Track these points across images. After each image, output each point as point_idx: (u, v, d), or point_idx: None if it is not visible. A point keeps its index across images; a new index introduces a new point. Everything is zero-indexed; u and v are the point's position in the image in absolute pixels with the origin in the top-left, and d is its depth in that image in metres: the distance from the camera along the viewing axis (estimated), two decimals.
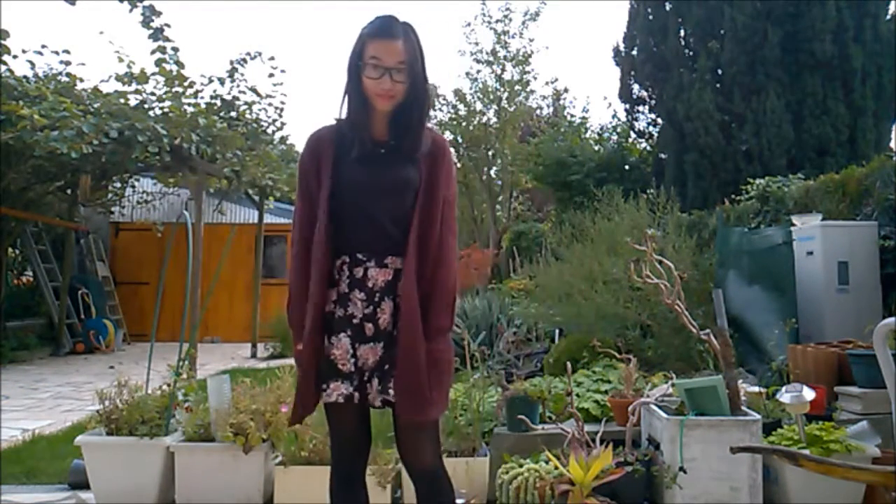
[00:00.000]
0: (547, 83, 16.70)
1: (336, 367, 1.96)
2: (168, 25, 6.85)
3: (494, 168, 15.29)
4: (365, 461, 2.13)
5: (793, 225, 4.76)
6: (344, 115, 2.04)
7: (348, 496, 2.09)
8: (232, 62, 8.60)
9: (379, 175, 1.99)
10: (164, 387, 3.60)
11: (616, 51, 10.91)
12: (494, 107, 14.53)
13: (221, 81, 8.59)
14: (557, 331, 6.01)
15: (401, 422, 1.98)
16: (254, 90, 8.92)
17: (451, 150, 2.08)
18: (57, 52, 7.82)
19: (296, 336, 2.05)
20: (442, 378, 1.97)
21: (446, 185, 2.05)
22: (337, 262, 2.01)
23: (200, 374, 5.82)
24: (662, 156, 10.33)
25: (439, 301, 1.98)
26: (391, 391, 1.93)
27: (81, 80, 7.79)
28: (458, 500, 2.97)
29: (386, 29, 1.94)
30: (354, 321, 1.97)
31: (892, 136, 8.96)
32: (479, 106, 14.71)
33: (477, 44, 14.67)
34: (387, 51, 1.91)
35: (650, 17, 10.20)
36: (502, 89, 14.49)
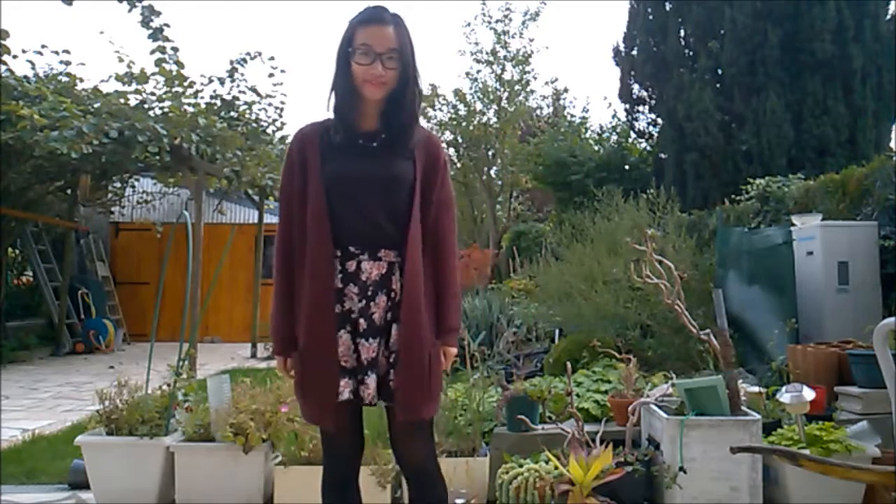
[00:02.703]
0: (547, 83, 16.71)
1: (340, 364, 1.94)
2: (168, 25, 6.86)
3: (494, 168, 15.28)
4: (359, 462, 2.11)
5: (793, 225, 4.76)
6: (332, 109, 2.00)
7: (344, 499, 2.08)
8: (232, 62, 8.60)
9: (372, 168, 1.97)
10: (164, 387, 3.60)
11: (616, 51, 10.91)
12: (494, 107, 14.53)
13: (221, 81, 8.60)
14: (557, 331, 6.01)
15: (399, 419, 1.97)
16: (254, 90, 8.92)
17: (446, 151, 2.09)
18: (57, 52, 7.83)
19: (286, 341, 2.01)
20: (440, 376, 2.01)
21: (441, 186, 2.04)
22: (331, 254, 1.99)
23: (200, 374, 5.82)
24: (662, 156, 10.33)
25: (450, 300, 2.02)
26: (391, 387, 1.93)
27: (81, 80, 7.79)
28: (458, 500, 2.98)
29: (376, 16, 1.93)
30: (352, 316, 1.96)
31: (892, 136, 8.97)
32: (479, 106, 14.70)
33: (477, 44, 14.67)
34: (377, 36, 1.90)
35: (650, 17, 10.20)
36: (502, 89, 14.48)
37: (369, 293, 1.96)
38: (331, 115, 2.02)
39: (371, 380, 1.93)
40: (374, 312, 1.95)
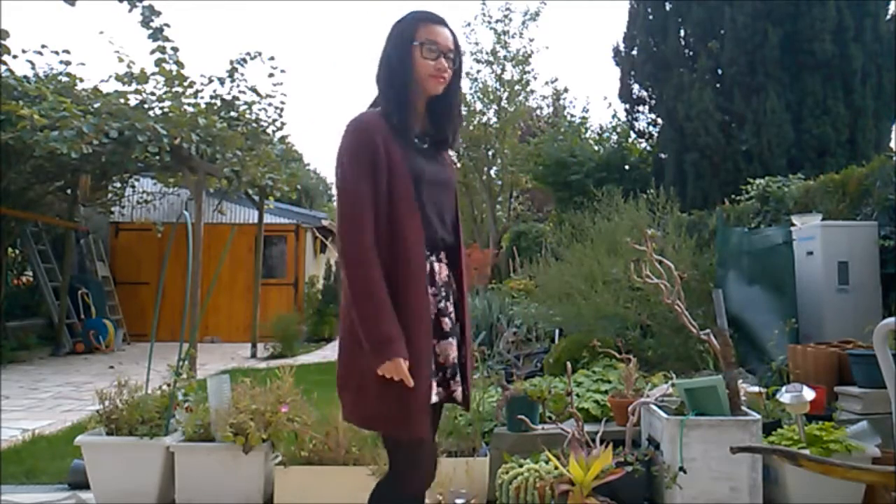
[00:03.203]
0: (547, 83, 16.75)
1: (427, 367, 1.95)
2: (168, 25, 6.85)
3: (494, 168, 15.30)
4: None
5: (793, 225, 4.76)
6: (391, 103, 1.94)
7: None
8: (232, 62, 8.60)
9: (438, 169, 2.02)
10: (164, 387, 3.60)
11: (616, 51, 10.92)
12: (494, 107, 14.55)
13: (221, 81, 8.59)
14: (557, 331, 6.01)
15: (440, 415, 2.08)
16: (254, 90, 8.91)
17: None
18: (57, 52, 7.82)
19: (393, 343, 1.77)
20: None
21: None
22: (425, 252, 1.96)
23: (200, 374, 5.82)
24: (662, 156, 10.33)
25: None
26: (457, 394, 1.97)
27: (81, 80, 7.79)
28: (458, 501, 2.98)
29: (438, 17, 2.00)
30: (431, 316, 1.92)
31: (892, 136, 8.97)
32: (479, 106, 14.71)
33: (477, 44, 14.70)
34: (442, 35, 1.97)
35: (650, 17, 10.21)
36: (502, 89, 14.50)
37: (443, 293, 1.97)
38: (386, 106, 1.97)
39: (457, 379, 1.96)
40: (451, 312, 1.98)
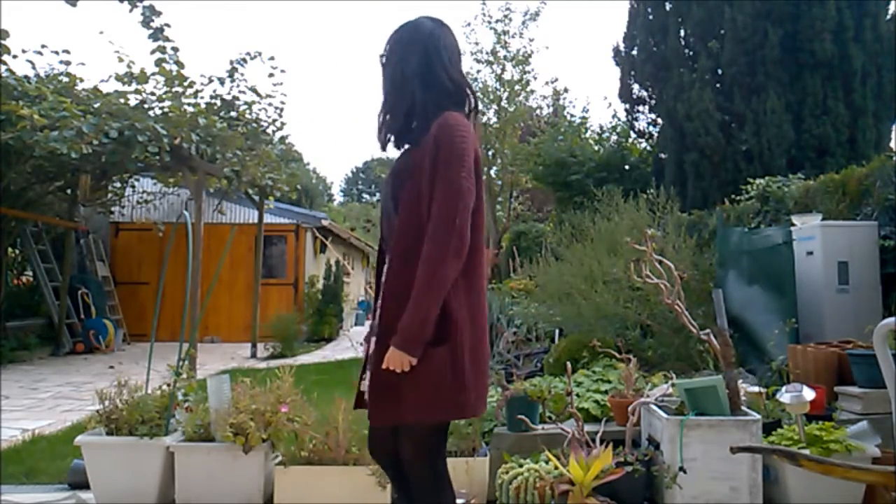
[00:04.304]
0: (547, 83, 16.71)
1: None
2: (168, 25, 6.86)
3: (494, 168, 15.29)
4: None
5: (793, 225, 4.75)
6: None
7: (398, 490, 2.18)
8: (232, 62, 8.61)
9: (394, 168, 2.09)
10: (164, 387, 3.60)
11: (616, 51, 10.92)
12: (494, 107, 14.53)
13: (221, 81, 8.60)
14: (557, 331, 6.01)
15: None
16: (254, 90, 8.92)
17: (444, 124, 1.91)
18: (57, 52, 7.83)
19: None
20: (410, 379, 1.87)
21: (438, 174, 1.88)
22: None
23: (200, 374, 5.82)
24: (662, 156, 10.33)
25: (413, 297, 1.83)
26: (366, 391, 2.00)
27: (81, 80, 7.79)
28: (457, 500, 2.98)
29: None
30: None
31: (892, 136, 8.97)
32: (479, 106, 14.70)
33: (477, 44, 14.67)
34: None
35: (650, 17, 10.21)
36: (502, 89, 14.49)
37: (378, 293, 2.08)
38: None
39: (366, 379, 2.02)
40: (375, 310, 2.04)
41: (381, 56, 2.08)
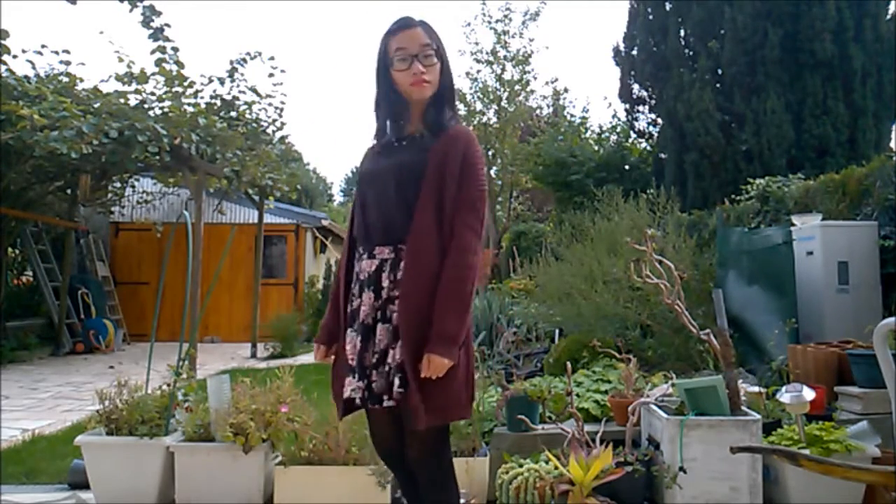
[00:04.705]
0: (547, 83, 16.71)
1: (348, 362, 1.99)
2: (168, 25, 6.87)
3: (494, 168, 15.29)
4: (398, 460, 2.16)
5: (793, 225, 4.75)
6: (384, 120, 2.09)
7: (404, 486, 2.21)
8: (232, 62, 8.61)
9: (395, 160, 2.01)
10: (164, 387, 3.60)
11: (616, 51, 10.92)
12: (494, 107, 14.53)
13: (221, 81, 8.60)
14: (557, 331, 6.01)
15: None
16: (254, 90, 8.92)
17: (472, 141, 2.00)
18: (57, 52, 7.83)
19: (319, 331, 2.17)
20: (439, 383, 1.89)
21: (464, 183, 1.94)
22: (349, 254, 2.13)
23: (200, 374, 5.82)
24: (662, 156, 10.33)
25: (443, 303, 1.86)
26: (385, 393, 1.92)
27: (81, 80, 7.79)
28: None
29: (404, 22, 2.01)
30: (357, 314, 2.01)
31: (892, 136, 8.97)
32: (479, 106, 14.71)
33: (477, 44, 14.67)
34: (408, 38, 1.98)
35: (650, 17, 10.20)
36: (502, 89, 14.49)
37: (356, 289, 2.02)
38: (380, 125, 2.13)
39: (353, 380, 1.95)
40: (361, 307, 1.98)
41: (429, 46, 1.98)
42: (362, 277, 2.00)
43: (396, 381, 1.88)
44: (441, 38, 2.04)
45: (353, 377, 1.95)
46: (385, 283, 1.95)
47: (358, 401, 1.95)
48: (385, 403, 1.91)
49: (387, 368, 1.92)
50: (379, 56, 2.03)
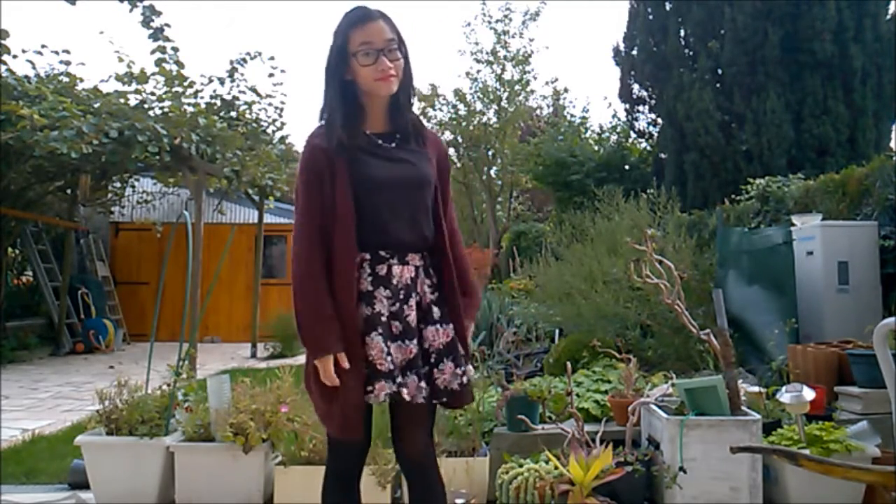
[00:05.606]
0: (547, 83, 16.72)
1: (375, 366, 1.91)
2: (168, 25, 6.87)
3: (494, 168, 15.31)
4: (364, 461, 2.13)
5: (793, 225, 4.75)
6: (336, 117, 1.95)
7: (350, 497, 2.09)
8: (232, 62, 8.62)
9: (403, 167, 1.98)
10: (164, 387, 3.60)
11: (616, 51, 10.92)
12: (494, 107, 14.55)
13: (221, 81, 8.61)
14: (557, 331, 6.01)
15: (425, 411, 2.01)
16: (254, 90, 8.93)
17: (446, 154, 2.25)
18: (57, 52, 7.83)
19: (321, 342, 1.91)
20: None
21: (447, 183, 2.15)
22: (356, 259, 1.96)
23: (200, 374, 5.82)
24: (662, 156, 10.33)
25: (467, 278, 2.14)
26: (453, 385, 1.98)
27: (81, 80, 7.80)
28: (457, 500, 2.98)
29: (366, 14, 1.93)
30: (382, 319, 1.94)
31: (892, 136, 8.97)
32: (479, 106, 14.72)
33: (477, 44, 14.70)
34: (374, 33, 1.90)
35: (650, 17, 10.20)
36: (502, 89, 14.50)
37: (401, 296, 1.96)
38: (329, 120, 1.99)
39: (411, 380, 1.93)
40: (407, 315, 1.96)
41: (393, 41, 1.92)
42: (400, 285, 1.96)
43: (451, 365, 1.99)
44: (400, 31, 1.97)
45: (387, 381, 1.89)
46: (424, 289, 2.02)
47: (409, 398, 1.91)
48: (452, 387, 1.99)
49: (426, 368, 1.99)
50: (336, 49, 1.92)
